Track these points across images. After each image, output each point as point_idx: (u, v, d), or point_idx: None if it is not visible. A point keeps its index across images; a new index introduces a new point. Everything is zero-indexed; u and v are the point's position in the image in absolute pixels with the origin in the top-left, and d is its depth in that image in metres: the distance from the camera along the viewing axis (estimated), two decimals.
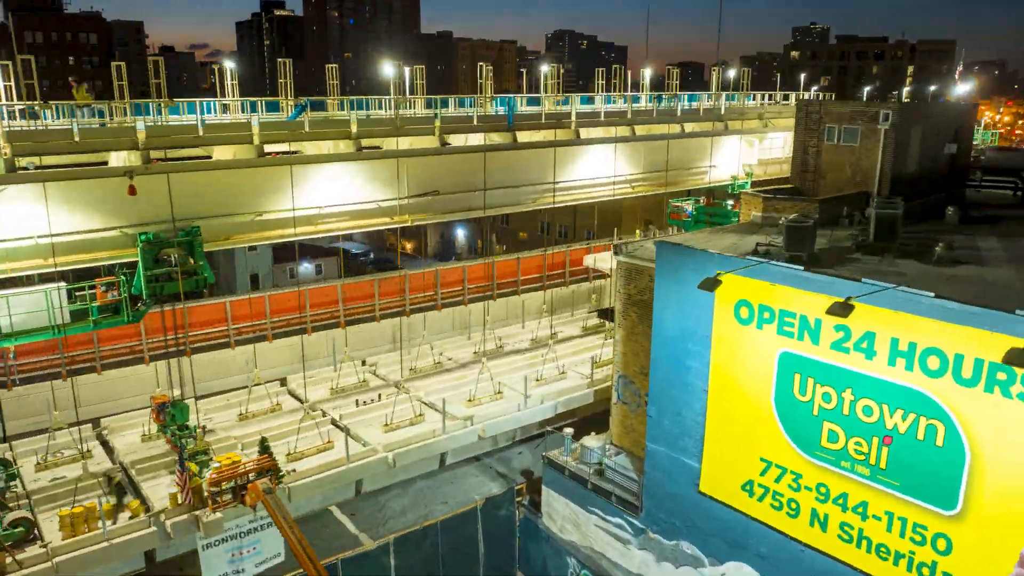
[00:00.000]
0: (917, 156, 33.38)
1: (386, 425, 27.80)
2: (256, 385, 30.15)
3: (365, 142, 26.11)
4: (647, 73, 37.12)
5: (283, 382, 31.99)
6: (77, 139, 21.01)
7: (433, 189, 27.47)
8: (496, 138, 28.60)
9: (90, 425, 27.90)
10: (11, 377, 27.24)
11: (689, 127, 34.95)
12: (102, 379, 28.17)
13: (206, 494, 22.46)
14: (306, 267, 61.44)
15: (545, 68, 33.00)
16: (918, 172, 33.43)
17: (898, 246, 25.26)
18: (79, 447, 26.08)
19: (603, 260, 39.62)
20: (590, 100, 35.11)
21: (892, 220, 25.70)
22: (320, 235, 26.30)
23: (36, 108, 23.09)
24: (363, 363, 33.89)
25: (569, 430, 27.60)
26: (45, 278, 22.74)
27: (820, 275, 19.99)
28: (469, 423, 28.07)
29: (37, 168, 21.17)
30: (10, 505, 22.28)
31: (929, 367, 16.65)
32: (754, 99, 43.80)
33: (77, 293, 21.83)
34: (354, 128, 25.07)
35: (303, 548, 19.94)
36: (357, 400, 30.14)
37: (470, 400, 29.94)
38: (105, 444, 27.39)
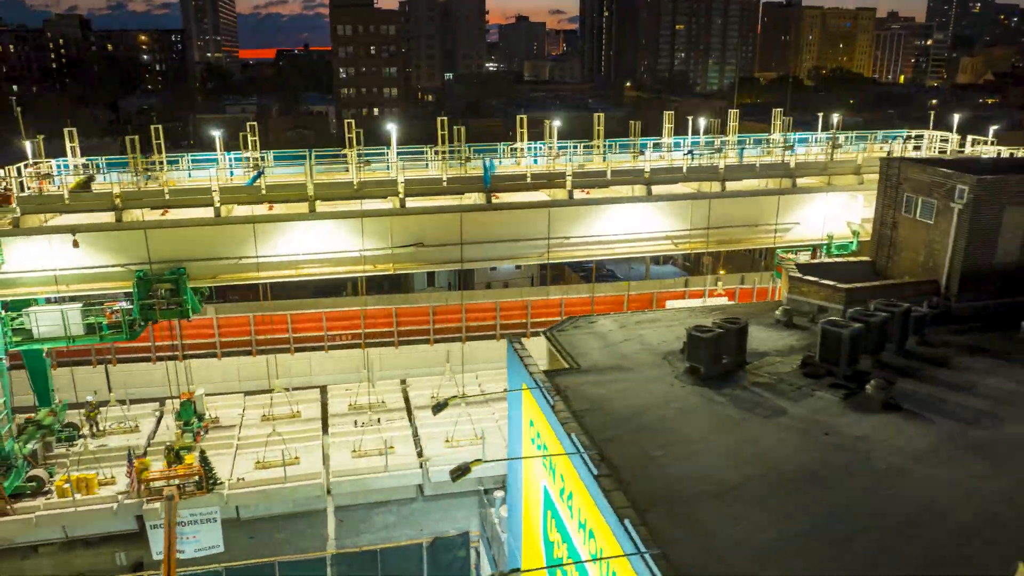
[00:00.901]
0: (1018, 245, 26.12)
1: (354, 451, 30.48)
2: (284, 391, 34.89)
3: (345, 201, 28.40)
4: (701, 123, 32.47)
5: (323, 390, 36.30)
6: (67, 201, 26.56)
7: (418, 241, 28.87)
8: (474, 198, 28.59)
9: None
10: (109, 356, 35.35)
11: (739, 185, 30.29)
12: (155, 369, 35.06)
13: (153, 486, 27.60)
14: None
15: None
16: (1017, 265, 26.16)
17: (851, 371, 21.08)
18: (127, 423, 33.25)
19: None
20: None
21: (836, 338, 21.24)
22: (307, 278, 29.48)
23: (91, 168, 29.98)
24: (402, 382, 36.72)
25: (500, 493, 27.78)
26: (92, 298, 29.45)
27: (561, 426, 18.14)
28: (421, 466, 29.38)
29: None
30: (39, 463, 29.56)
31: None
32: (867, 142, 35.97)
33: (93, 311, 28.01)
34: (310, 191, 27.43)
35: (168, 552, 23.88)
36: (356, 420, 33.19)
37: (447, 441, 31.15)
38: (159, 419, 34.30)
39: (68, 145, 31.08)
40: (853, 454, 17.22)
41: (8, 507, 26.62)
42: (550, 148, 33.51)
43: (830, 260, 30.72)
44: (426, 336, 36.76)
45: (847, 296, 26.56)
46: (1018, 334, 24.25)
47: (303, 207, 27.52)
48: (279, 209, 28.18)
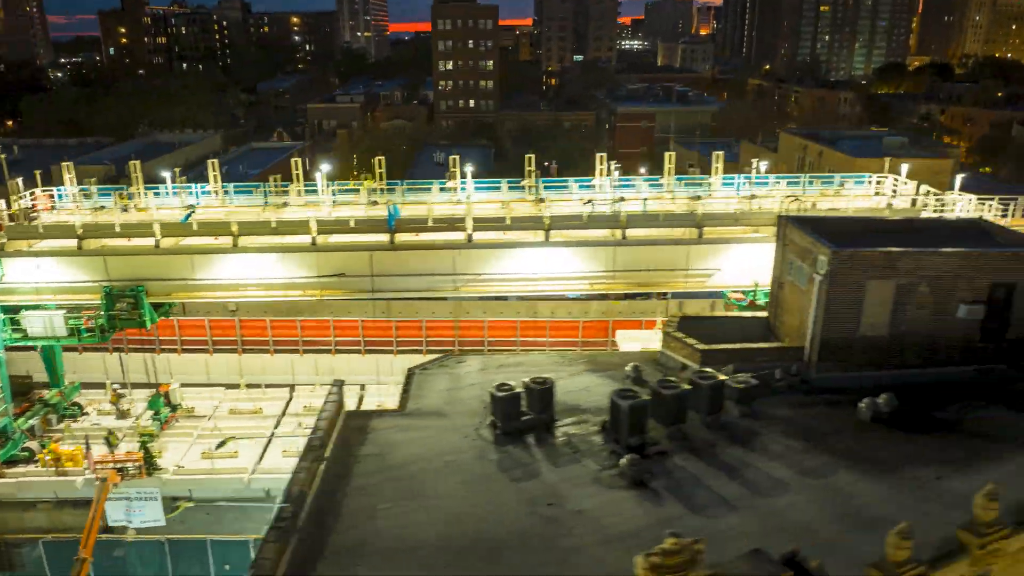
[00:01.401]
0: (884, 318, 25.72)
1: (284, 451, 34.45)
2: (245, 388, 39.62)
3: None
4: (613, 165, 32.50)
5: (291, 389, 40.67)
6: (41, 231, 32.00)
7: (341, 272, 32.06)
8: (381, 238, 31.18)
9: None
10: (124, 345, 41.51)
11: (644, 233, 30.57)
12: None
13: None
14: None
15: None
16: (889, 339, 25.79)
17: (639, 440, 22.35)
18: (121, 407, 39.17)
19: (632, 338, 38.04)
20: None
21: (617, 408, 22.45)
22: (244, 299, 33.49)
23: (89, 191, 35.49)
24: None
25: None
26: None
27: None
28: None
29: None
30: (36, 436, 35.72)
31: None
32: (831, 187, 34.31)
33: (73, 318, 33.57)
34: (234, 229, 31.15)
35: (91, 524, 28.93)
36: (301, 422, 37.15)
37: (285, 452, 34.40)
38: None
39: (66, 176, 36.96)
40: (555, 527, 18.88)
41: (1, 471, 33.00)
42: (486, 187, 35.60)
43: (728, 314, 31.10)
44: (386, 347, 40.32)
45: (702, 357, 27.22)
46: (856, 414, 24.15)
47: (229, 242, 31.61)
48: (224, 240, 32.43)
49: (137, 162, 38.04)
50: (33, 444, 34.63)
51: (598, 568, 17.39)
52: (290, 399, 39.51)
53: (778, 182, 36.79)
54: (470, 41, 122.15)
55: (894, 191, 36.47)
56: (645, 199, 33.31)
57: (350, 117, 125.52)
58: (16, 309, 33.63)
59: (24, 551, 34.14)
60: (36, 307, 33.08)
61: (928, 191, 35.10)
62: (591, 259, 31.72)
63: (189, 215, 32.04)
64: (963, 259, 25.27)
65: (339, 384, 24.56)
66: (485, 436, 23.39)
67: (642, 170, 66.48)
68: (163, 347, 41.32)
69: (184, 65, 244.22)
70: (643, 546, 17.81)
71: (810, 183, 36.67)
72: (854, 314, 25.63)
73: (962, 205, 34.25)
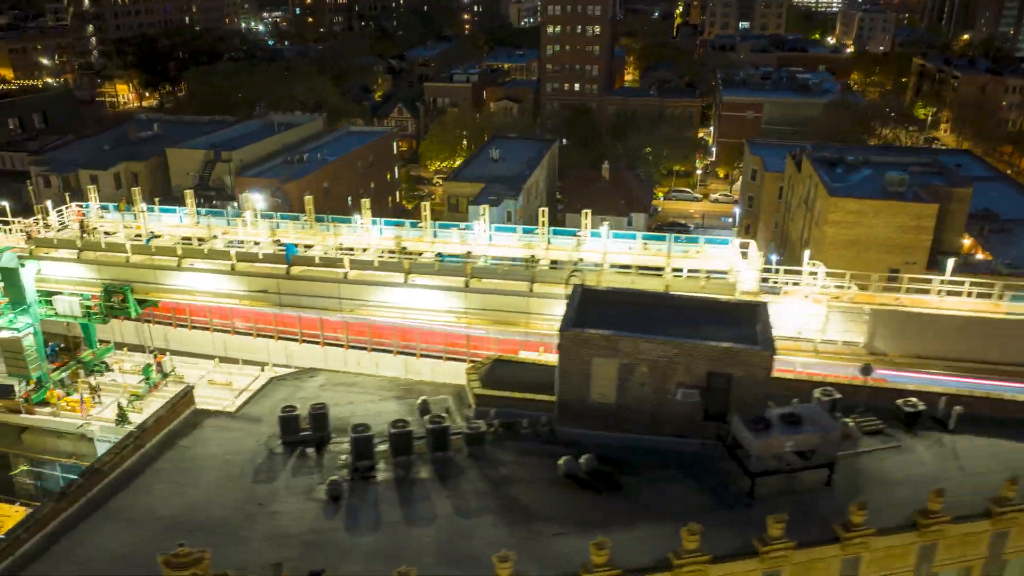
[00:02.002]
0: (611, 388, 30.18)
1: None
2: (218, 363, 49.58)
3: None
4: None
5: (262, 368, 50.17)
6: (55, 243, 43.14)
7: (263, 289, 40.44)
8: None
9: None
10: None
11: (490, 283, 35.28)
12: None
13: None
14: None
15: None
16: (616, 407, 30.24)
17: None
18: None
19: None
20: None
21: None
22: (198, 302, 42.90)
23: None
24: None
25: None
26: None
27: None
28: None
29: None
30: (65, 386, 47.85)
31: None
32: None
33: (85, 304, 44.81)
34: (179, 252, 40.21)
35: None
36: None
37: None
38: None
39: (91, 194, 48.17)
40: (245, 523, 26.39)
41: (32, 409, 45.42)
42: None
43: (541, 361, 36.29)
44: None
45: (477, 400, 32.99)
46: (557, 468, 29.02)
47: (175, 262, 41.20)
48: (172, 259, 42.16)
49: (136, 188, 48.70)
50: (58, 391, 46.97)
51: (247, 555, 24.76)
52: (257, 377, 49.24)
53: (639, 239, 40.33)
54: (578, 27, 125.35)
55: (744, 254, 38.83)
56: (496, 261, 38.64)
57: (462, 96, 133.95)
58: (51, 294, 45.65)
59: (48, 470, 46.66)
60: (59, 294, 45.02)
61: (778, 268, 37.38)
62: (448, 298, 37.89)
63: (149, 240, 41.85)
64: (678, 348, 29.08)
65: (189, 388, 33.41)
66: (272, 445, 31.16)
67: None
68: (179, 323, 52.48)
69: (364, 23, 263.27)
70: (288, 547, 25.06)
71: (670, 239, 39.96)
72: (585, 383, 30.28)
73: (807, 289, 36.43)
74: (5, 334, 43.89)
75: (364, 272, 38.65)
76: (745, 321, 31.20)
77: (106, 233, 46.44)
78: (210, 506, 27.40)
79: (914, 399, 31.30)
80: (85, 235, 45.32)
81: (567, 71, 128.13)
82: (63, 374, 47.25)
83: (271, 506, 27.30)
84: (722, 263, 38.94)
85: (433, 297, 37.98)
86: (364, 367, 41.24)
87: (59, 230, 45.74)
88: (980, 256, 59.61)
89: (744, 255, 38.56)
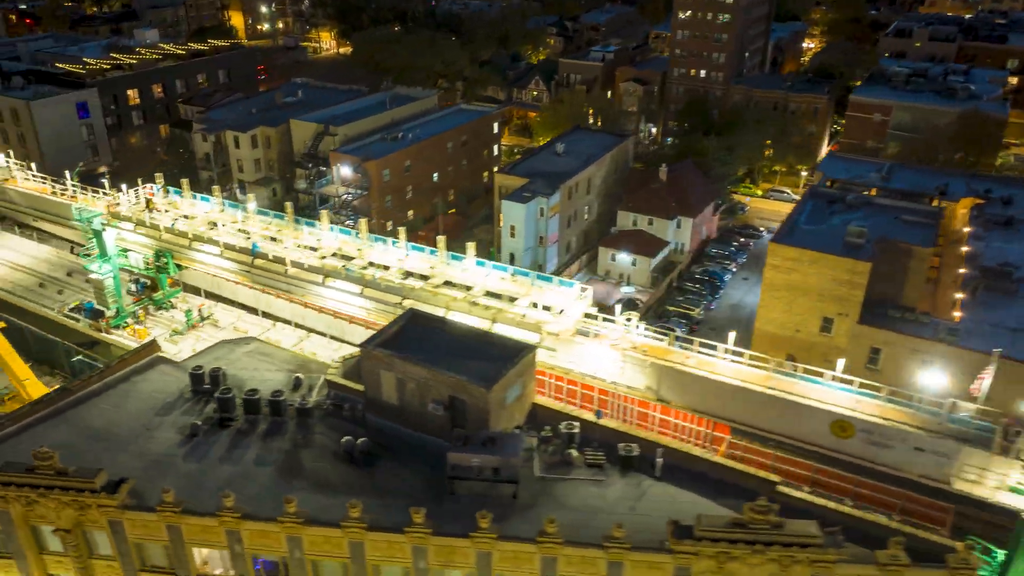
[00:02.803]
0: (396, 394, 40.02)
1: None
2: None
3: None
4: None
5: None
6: (122, 215, 58.89)
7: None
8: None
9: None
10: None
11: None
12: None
13: None
14: None
15: None
16: (399, 408, 40.15)
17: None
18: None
19: None
20: None
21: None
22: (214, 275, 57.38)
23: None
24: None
25: None
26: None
27: None
28: None
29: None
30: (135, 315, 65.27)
31: None
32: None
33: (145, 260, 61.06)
34: (191, 236, 53.92)
35: None
36: None
37: None
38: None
39: (158, 181, 64.00)
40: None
41: (109, 330, 63.35)
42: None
43: None
44: None
45: (328, 385, 44.07)
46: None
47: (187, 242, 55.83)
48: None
49: (185, 180, 63.92)
50: (130, 319, 64.57)
51: (126, 461, 38.39)
52: (268, 328, 63.82)
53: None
54: (708, 13, 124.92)
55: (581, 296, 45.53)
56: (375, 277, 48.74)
57: (592, 74, 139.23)
58: (127, 251, 62.83)
59: None
60: (131, 251, 62.09)
61: (599, 315, 44.02)
62: (352, 299, 49.01)
63: (173, 224, 56.66)
64: (430, 374, 38.21)
65: (152, 340, 47.78)
66: (185, 392, 44.49)
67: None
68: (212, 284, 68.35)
69: None
70: (143, 460, 38.54)
71: (532, 276, 47.57)
72: (378, 387, 40.28)
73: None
74: (94, 276, 61.68)
75: (299, 271, 50.89)
76: (507, 359, 39.29)
77: (163, 211, 62.50)
78: (122, 424, 41.42)
79: (633, 445, 37.88)
80: (150, 211, 61.65)
81: (694, 56, 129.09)
82: (137, 308, 64.72)
83: (154, 432, 40.79)
84: (561, 302, 46.09)
85: (342, 296, 49.39)
86: (325, 328, 54.04)
87: (133, 204, 62.62)
88: (957, 315, 58.99)
89: (580, 297, 45.54)
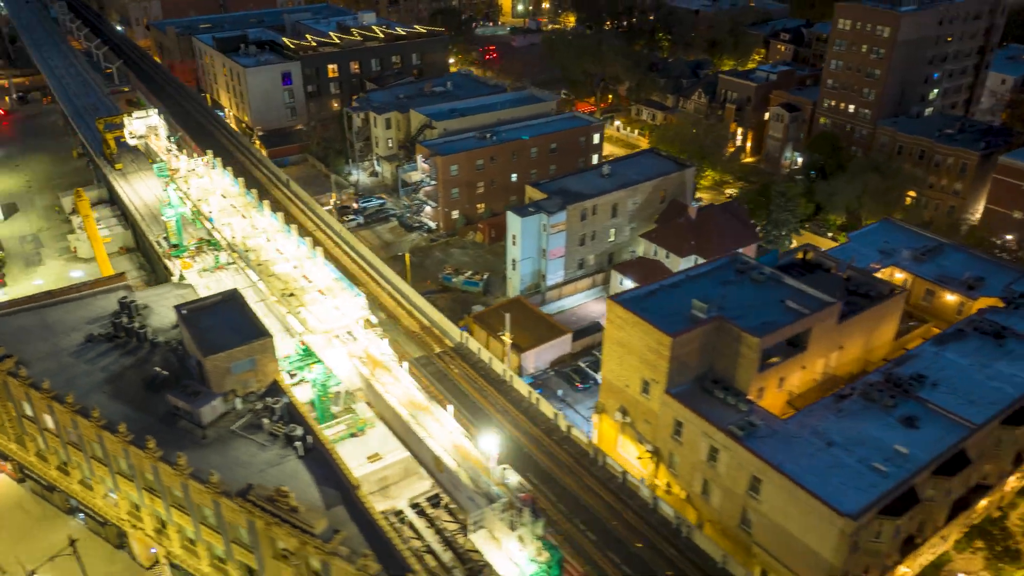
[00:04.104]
0: None
1: None
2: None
3: None
4: None
5: None
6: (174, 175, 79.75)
7: None
8: None
9: None
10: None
11: None
12: None
13: None
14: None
15: None
16: None
17: None
18: None
19: None
20: None
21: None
22: None
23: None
24: None
25: None
26: None
27: None
28: None
29: None
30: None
31: None
32: None
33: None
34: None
35: None
36: None
37: None
38: None
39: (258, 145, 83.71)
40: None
41: (172, 260, 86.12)
42: None
43: None
44: None
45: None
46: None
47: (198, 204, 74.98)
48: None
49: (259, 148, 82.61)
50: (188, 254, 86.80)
51: (47, 357, 58.76)
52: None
53: None
54: (863, 45, 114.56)
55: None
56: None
57: (747, 93, 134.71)
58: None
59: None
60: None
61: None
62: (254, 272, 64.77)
63: (193, 189, 76.16)
64: (190, 335, 52.44)
65: (122, 273, 67.97)
66: (116, 319, 63.89)
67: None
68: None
69: None
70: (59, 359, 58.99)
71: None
72: (185, 339, 55.51)
73: None
74: (163, 218, 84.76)
75: (237, 247, 67.70)
76: (243, 340, 52.17)
77: (201, 177, 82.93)
78: (63, 321, 61.95)
79: (297, 427, 48.84)
80: (184, 176, 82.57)
81: (844, 89, 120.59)
82: (192, 246, 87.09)
83: (71, 332, 60.55)
84: (347, 309, 56.84)
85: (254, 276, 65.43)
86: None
87: (189, 167, 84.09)
88: (785, 415, 57.68)
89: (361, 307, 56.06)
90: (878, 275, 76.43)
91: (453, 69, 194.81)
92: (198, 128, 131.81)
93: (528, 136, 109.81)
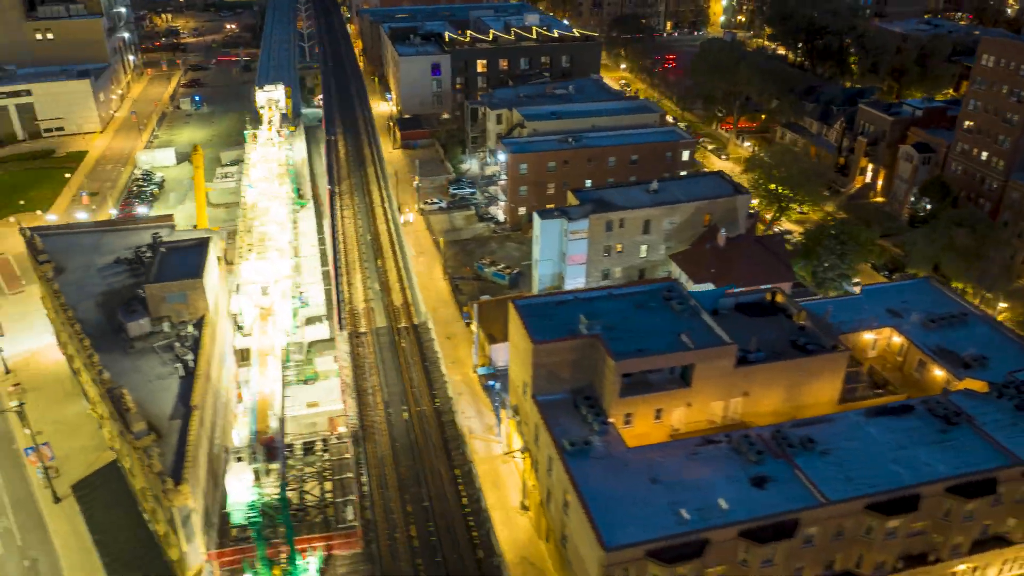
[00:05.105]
0: None
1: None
2: None
3: None
4: None
5: None
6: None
7: None
8: None
9: None
10: None
11: None
12: None
13: None
14: None
15: None
16: None
17: None
18: None
19: None
20: None
21: None
22: None
23: None
24: None
25: None
26: None
27: None
28: None
29: None
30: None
31: None
32: None
33: None
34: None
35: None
36: None
37: None
38: None
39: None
40: None
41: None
42: None
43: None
44: None
45: None
46: None
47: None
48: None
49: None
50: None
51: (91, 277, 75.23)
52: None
53: None
54: (1004, 86, 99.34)
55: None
56: None
57: (882, 127, 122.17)
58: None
59: None
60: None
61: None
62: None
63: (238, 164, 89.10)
64: (151, 270, 64.81)
65: (170, 215, 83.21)
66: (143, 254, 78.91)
67: None
68: None
69: None
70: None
71: None
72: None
73: None
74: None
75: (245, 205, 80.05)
76: (180, 277, 63.45)
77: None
78: (111, 244, 78.21)
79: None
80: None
81: (979, 134, 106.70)
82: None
83: (111, 253, 76.44)
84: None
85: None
86: None
87: (268, 136, 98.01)
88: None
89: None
90: (870, 335, 70.50)
91: (623, 76, 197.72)
92: (346, 106, 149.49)
93: (606, 144, 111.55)
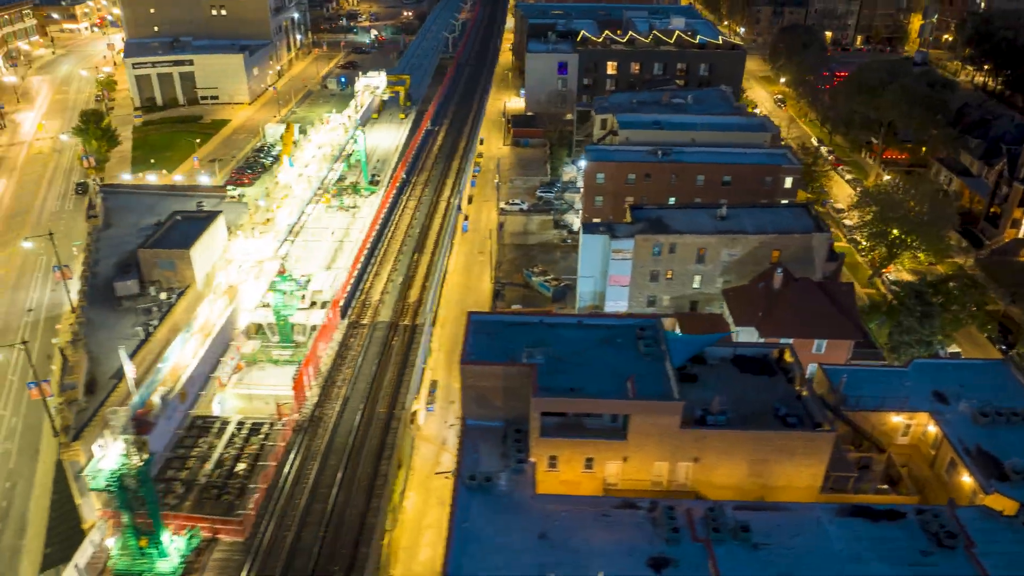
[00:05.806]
0: None
1: None
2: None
3: None
4: None
5: None
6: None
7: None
8: None
9: None
10: None
11: None
12: None
13: None
14: None
15: None
16: None
17: None
18: None
19: None
20: None
21: None
22: None
23: None
24: None
25: None
26: None
27: None
28: None
29: None
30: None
31: None
32: None
33: None
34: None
35: None
36: None
37: None
38: None
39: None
40: None
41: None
42: None
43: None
44: None
45: None
46: None
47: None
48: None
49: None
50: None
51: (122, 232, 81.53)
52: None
53: None
54: None
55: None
56: None
57: None
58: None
59: None
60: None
61: None
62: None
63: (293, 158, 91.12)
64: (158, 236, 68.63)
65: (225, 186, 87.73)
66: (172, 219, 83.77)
67: None
68: None
69: None
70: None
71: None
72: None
73: None
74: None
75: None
76: (182, 242, 66.51)
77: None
78: (154, 212, 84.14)
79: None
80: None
81: None
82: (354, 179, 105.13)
83: (165, 213, 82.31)
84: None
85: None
86: None
87: (338, 121, 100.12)
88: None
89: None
90: (898, 417, 59.12)
91: (780, 90, 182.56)
92: (465, 99, 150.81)
93: (696, 160, 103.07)
